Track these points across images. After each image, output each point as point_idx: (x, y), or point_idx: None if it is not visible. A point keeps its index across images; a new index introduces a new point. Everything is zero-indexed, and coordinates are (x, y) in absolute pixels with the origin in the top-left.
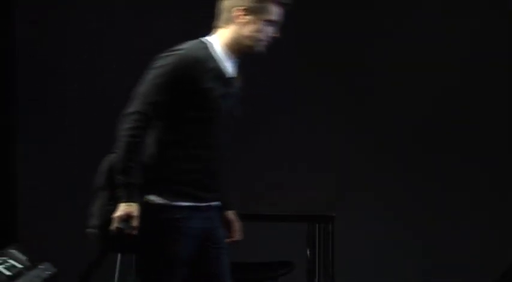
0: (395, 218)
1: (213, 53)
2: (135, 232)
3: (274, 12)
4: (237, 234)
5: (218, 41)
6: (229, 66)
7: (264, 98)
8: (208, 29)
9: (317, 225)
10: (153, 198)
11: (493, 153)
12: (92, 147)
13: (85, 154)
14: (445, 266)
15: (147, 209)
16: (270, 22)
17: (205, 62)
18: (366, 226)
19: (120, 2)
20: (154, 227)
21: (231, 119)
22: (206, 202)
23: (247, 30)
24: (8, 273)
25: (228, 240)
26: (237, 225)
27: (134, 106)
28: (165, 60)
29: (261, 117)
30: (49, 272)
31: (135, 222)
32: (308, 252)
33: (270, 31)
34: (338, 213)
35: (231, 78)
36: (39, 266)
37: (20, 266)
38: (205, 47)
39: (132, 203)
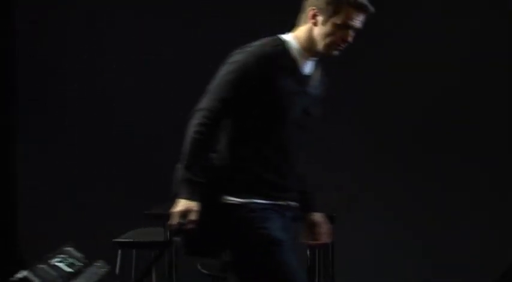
0: (395, 218)
1: (288, 51)
2: (192, 226)
3: (351, 16)
4: (325, 237)
5: (294, 39)
6: (305, 65)
7: None
8: (209, 29)
9: None
10: (228, 198)
11: (493, 153)
12: (92, 147)
13: (85, 154)
14: (445, 266)
15: (224, 208)
16: (344, 26)
17: (279, 58)
18: (366, 226)
19: (120, 2)
20: (235, 227)
21: (307, 118)
22: (282, 200)
23: (318, 32)
24: (69, 270)
25: (314, 242)
26: (325, 227)
27: (203, 103)
28: (237, 57)
29: None
30: (104, 269)
31: (193, 216)
32: (308, 252)
33: (343, 35)
34: (338, 213)
35: (306, 77)
36: (95, 264)
37: (79, 263)
38: (281, 44)
39: (192, 201)
